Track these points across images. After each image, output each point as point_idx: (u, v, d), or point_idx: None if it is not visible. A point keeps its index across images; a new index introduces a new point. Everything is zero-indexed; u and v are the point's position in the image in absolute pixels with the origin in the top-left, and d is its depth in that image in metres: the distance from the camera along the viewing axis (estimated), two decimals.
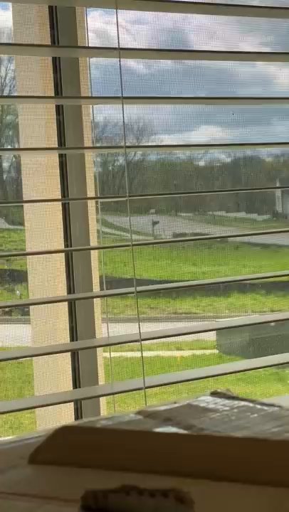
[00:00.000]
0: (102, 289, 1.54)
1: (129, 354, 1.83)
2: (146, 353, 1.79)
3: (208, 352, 2.15)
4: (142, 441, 0.70)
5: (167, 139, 1.89)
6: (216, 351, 2.15)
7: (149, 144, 1.86)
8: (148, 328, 1.92)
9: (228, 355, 2.15)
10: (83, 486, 0.58)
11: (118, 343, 1.44)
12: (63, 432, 0.73)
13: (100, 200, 1.54)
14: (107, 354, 1.57)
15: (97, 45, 1.55)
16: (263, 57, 1.71)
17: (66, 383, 1.53)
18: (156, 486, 0.56)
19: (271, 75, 1.95)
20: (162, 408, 0.81)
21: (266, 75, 1.94)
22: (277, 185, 2.10)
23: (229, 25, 1.80)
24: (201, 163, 2.04)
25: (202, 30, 1.78)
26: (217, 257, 2.03)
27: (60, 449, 0.71)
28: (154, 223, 1.97)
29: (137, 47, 1.68)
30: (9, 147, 1.73)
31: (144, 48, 1.64)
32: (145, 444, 0.70)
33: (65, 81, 1.50)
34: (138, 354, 1.49)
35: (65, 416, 1.53)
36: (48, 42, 1.50)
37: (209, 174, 2.05)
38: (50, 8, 1.49)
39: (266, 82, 1.96)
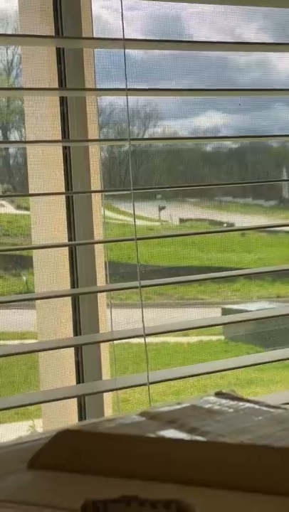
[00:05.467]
0: (106, 273, 1.52)
1: (134, 340, 1.82)
2: (152, 340, 1.77)
3: (214, 338, 2.14)
4: (144, 447, 0.68)
5: (174, 125, 1.87)
6: (222, 337, 2.14)
7: (155, 130, 1.85)
8: (155, 314, 1.90)
9: (235, 341, 2.14)
10: (83, 494, 0.57)
11: (122, 338, 1.43)
12: (65, 436, 0.71)
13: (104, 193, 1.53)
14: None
15: (99, 33, 1.52)
16: (263, 47, 1.70)
17: (71, 370, 1.53)
18: (158, 494, 0.55)
19: (270, 60, 1.93)
20: (165, 410, 0.79)
21: (265, 60, 1.92)
22: (284, 170, 2.09)
23: (225, 11, 1.77)
24: (208, 149, 2.02)
25: (198, 15, 1.75)
26: (223, 243, 2.02)
27: (62, 454, 0.70)
28: (161, 208, 1.96)
29: (133, 33, 1.65)
30: (16, 135, 1.72)
31: (148, 38, 1.61)
32: (147, 451, 0.68)
33: (69, 70, 1.48)
34: (143, 340, 1.48)
35: (69, 404, 1.53)
36: (53, 30, 1.47)
37: (216, 159, 2.03)
38: None
39: (265, 68, 1.94)
